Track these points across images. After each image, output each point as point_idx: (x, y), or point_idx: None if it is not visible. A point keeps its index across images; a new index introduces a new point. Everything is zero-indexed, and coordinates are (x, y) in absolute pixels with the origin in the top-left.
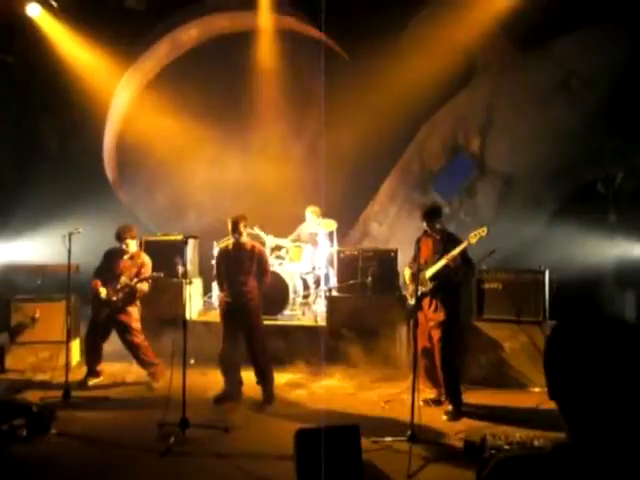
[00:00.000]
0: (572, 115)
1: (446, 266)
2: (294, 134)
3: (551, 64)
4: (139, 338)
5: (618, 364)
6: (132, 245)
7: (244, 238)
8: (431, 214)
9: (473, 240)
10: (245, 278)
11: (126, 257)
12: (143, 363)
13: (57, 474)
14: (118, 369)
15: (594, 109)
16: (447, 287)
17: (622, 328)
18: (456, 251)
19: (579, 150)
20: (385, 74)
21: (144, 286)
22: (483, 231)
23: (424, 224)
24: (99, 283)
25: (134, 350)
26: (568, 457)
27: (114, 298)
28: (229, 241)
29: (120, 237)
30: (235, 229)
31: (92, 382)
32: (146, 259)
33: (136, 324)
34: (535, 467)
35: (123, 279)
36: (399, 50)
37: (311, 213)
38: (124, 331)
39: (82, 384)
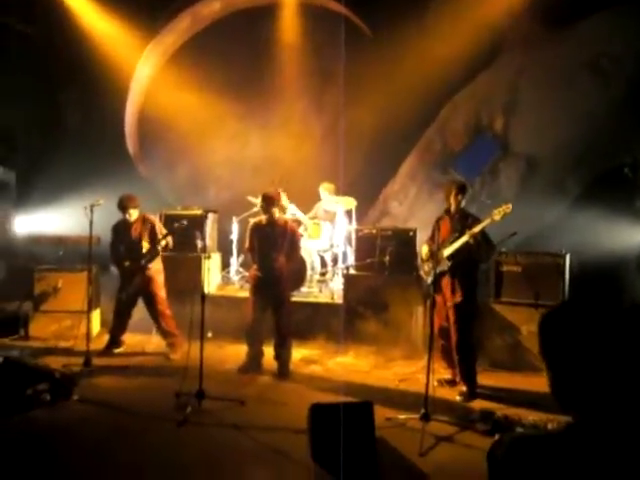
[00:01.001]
0: (599, 97)
1: (466, 243)
2: (314, 111)
3: (578, 44)
4: (164, 306)
5: (617, 343)
6: (135, 214)
7: (277, 214)
8: (463, 188)
9: (497, 217)
10: (276, 254)
11: (132, 225)
12: (164, 332)
13: (77, 439)
14: (138, 340)
15: (622, 91)
16: (465, 267)
17: (622, 310)
18: (479, 227)
19: (605, 133)
20: (408, 51)
21: (169, 240)
22: (508, 208)
23: (452, 199)
24: (120, 257)
25: (158, 318)
26: (579, 437)
27: (142, 261)
28: (262, 216)
29: (124, 206)
30: (268, 206)
31: (116, 351)
32: (152, 218)
33: (162, 292)
34: (548, 447)
35: (145, 244)
36: (423, 27)
37: (324, 190)
38: (150, 299)
39: (105, 352)
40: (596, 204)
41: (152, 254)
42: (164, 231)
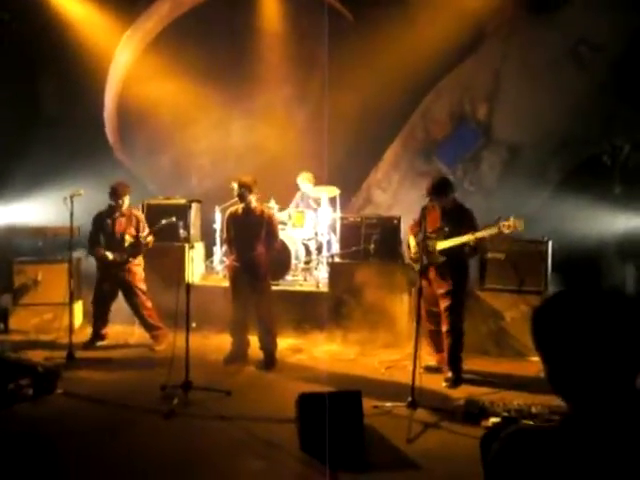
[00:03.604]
0: (581, 84)
1: (466, 243)
2: (298, 98)
3: (560, 30)
4: (143, 299)
5: (612, 333)
6: (127, 202)
7: (254, 203)
8: (438, 189)
9: (506, 231)
10: (254, 243)
11: (118, 217)
12: (146, 325)
13: (63, 433)
14: (121, 331)
15: (603, 78)
16: (456, 256)
17: (614, 298)
18: (484, 234)
19: (586, 120)
20: (391, 38)
21: (151, 239)
22: (520, 225)
23: (427, 199)
24: (102, 250)
25: (139, 311)
26: (576, 431)
27: (123, 258)
28: (239, 205)
29: (117, 193)
30: (244, 193)
31: (99, 344)
32: (139, 213)
33: (141, 284)
34: (545, 441)
35: (128, 238)
36: (406, 13)
37: (304, 180)
38: (129, 292)
39: (87, 346)
40: (576, 191)
41: (136, 249)
42: (147, 232)
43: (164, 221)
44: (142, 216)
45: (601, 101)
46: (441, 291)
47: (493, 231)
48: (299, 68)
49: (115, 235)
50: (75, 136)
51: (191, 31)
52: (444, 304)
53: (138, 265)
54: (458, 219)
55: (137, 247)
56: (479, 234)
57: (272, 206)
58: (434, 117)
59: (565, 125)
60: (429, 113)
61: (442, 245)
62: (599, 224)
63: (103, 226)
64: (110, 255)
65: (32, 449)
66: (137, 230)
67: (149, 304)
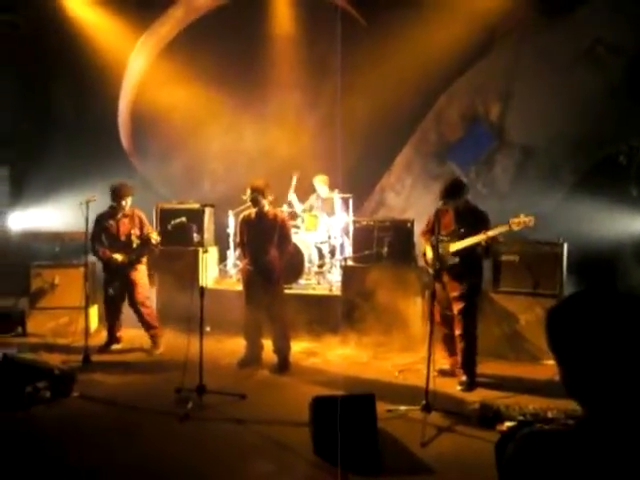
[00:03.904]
0: (595, 85)
1: (478, 244)
2: (310, 103)
3: (574, 31)
4: (144, 296)
5: (628, 335)
6: (129, 203)
7: (267, 207)
8: (451, 191)
9: (516, 227)
10: (267, 247)
11: (121, 218)
12: (145, 324)
13: (79, 435)
14: (136, 335)
15: (618, 78)
16: (470, 258)
17: (630, 300)
18: (496, 232)
19: (601, 121)
20: (403, 41)
21: (158, 237)
22: (530, 221)
23: (440, 202)
24: (108, 252)
25: (139, 309)
26: (592, 434)
27: (132, 258)
28: (251, 209)
29: (120, 194)
30: (257, 197)
31: (114, 348)
32: (140, 213)
33: (144, 282)
34: (560, 444)
35: (134, 239)
36: (418, 16)
37: (320, 182)
38: (132, 289)
39: (103, 350)
40: (592, 192)
41: (143, 250)
42: (152, 230)
43: (173, 222)
44: (143, 215)
45: (615, 101)
46: (455, 294)
47: (503, 229)
48: (311, 73)
49: (120, 237)
50: (90, 142)
51: (204, 36)
52: (457, 307)
53: (142, 263)
54: (472, 220)
55: (145, 247)
56: (491, 232)
57: (285, 210)
58: (447, 120)
59: (578, 126)
60: (442, 116)
61: (455, 247)
62: (615, 225)
63: (106, 227)
64: (119, 257)
65: (48, 451)
66: (141, 229)
67: (149, 302)
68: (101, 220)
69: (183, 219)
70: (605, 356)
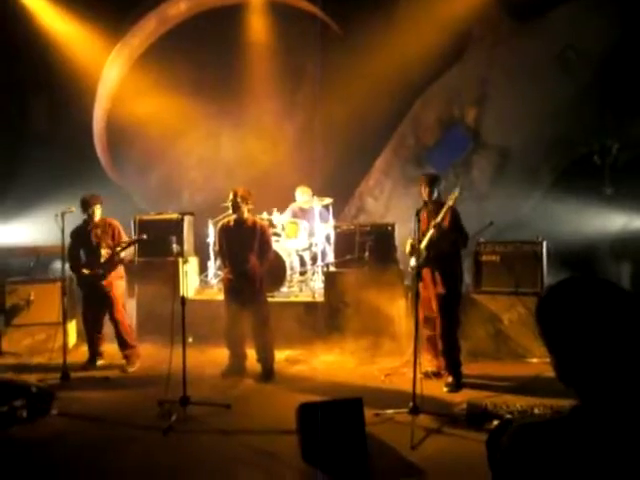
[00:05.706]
0: (568, 87)
1: (445, 238)
2: (287, 110)
3: (547, 35)
4: (121, 314)
5: (618, 319)
6: (98, 213)
7: (246, 214)
8: (433, 180)
9: (451, 202)
10: (247, 255)
11: (92, 228)
12: (122, 343)
13: (59, 454)
14: (115, 350)
15: (590, 81)
16: (445, 257)
17: (618, 290)
18: (439, 217)
19: (575, 122)
20: (378, 48)
21: (130, 251)
22: (454, 193)
23: (424, 191)
24: (80, 267)
25: (117, 327)
26: (585, 420)
27: (98, 273)
28: (230, 217)
29: (88, 204)
30: (238, 203)
31: (99, 364)
32: (115, 222)
33: (121, 299)
34: (555, 432)
35: (104, 252)
36: (392, 23)
37: (303, 194)
38: (111, 306)
39: (87, 367)
40: (568, 192)
41: (111, 264)
42: (126, 239)
43: (144, 236)
44: (118, 224)
45: (587, 104)
46: (434, 294)
47: (444, 210)
48: (288, 80)
49: (93, 249)
50: (65, 155)
51: (178, 46)
52: (437, 307)
53: (121, 279)
54: (436, 216)
55: (112, 261)
56: (436, 220)
57: (264, 217)
58: (423, 124)
59: (553, 128)
60: (418, 120)
61: (423, 243)
62: (592, 223)
63: (82, 240)
64: (86, 271)
65: (27, 472)
66: (113, 239)
67: (127, 321)
68: (76, 235)
69: (144, 236)
70: (595, 341)
